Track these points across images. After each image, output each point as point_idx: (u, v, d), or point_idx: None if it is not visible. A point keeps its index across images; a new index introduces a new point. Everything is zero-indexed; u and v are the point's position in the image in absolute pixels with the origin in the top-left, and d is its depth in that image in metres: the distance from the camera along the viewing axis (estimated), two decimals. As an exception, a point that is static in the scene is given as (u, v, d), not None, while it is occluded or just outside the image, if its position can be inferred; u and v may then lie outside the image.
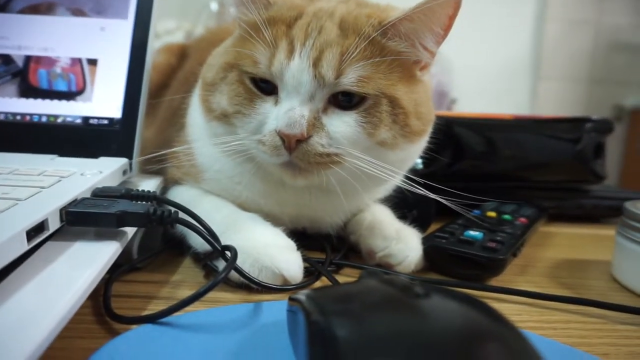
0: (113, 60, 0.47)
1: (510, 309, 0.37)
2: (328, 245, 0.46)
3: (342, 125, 0.38)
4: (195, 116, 0.47)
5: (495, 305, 0.37)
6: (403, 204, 0.50)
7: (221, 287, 0.36)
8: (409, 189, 0.46)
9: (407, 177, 0.44)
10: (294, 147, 0.37)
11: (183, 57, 0.73)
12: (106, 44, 0.47)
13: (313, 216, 0.46)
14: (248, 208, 0.44)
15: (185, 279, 0.39)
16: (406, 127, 0.40)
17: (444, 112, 0.62)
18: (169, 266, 0.41)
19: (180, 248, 0.43)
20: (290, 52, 0.37)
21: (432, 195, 0.41)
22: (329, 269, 0.42)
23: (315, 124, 0.37)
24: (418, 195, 0.49)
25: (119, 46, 0.47)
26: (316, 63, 0.37)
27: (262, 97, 0.39)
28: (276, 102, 0.39)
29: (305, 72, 0.37)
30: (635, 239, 0.41)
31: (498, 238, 0.44)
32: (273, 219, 0.43)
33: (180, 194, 0.45)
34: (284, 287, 0.36)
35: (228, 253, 0.35)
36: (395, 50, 0.38)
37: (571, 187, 0.66)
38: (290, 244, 0.39)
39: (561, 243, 0.57)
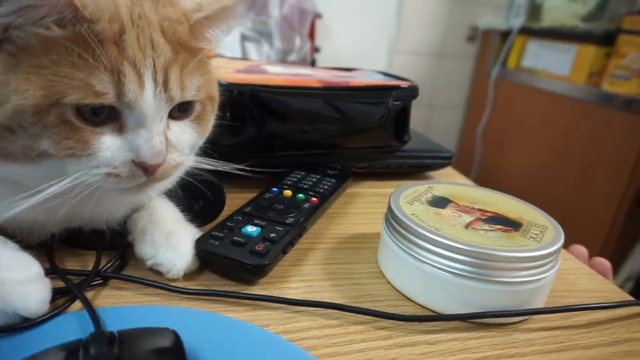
0: None
1: (264, 317, 0.39)
2: (101, 247, 0.44)
3: (183, 136, 0.40)
4: None
5: (254, 312, 0.39)
6: (189, 194, 0.48)
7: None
8: (194, 176, 0.46)
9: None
10: (154, 171, 0.37)
11: None
12: None
13: (90, 215, 0.43)
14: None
15: None
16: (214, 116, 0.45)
17: (250, 80, 0.59)
18: None
19: None
20: (139, 77, 0.34)
21: (226, 168, 0.45)
22: (94, 283, 0.41)
23: (166, 143, 0.37)
24: (205, 183, 0.48)
25: None
26: (165, 85, 0.35)
27: (95, 131, 0.34)
28: (120, 131, 0.35)
29: (159, 97, 0.35)
30: (392, 237, 0.45)
31: (272, 235, 0.45)
32: (41, 226, 0.41)
33: None
34: (17, 326, 0.34)
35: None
36: (201, 49, 0.39)
37: (379, 150, 0.69)
38: (32, 274, 0.36)
39: (356, 210, 0.61)
